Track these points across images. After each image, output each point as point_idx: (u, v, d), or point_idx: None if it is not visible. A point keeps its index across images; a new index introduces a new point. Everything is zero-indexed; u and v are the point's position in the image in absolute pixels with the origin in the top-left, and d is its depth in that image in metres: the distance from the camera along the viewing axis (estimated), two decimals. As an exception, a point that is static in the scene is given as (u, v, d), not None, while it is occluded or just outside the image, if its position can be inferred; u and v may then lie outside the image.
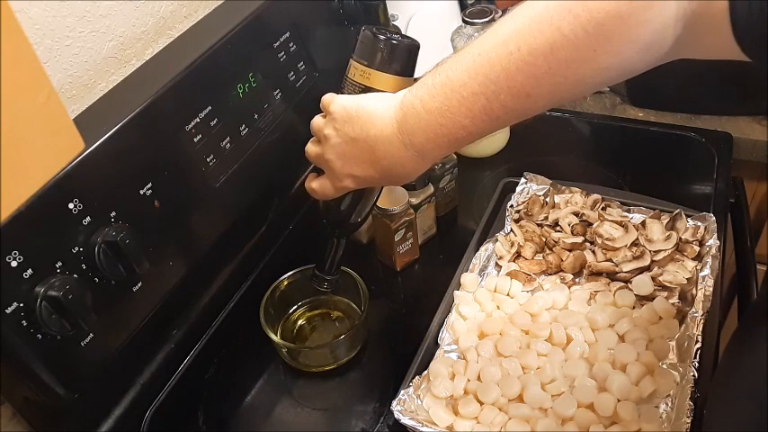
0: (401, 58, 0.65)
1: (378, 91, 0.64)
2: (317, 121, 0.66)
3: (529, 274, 0.86)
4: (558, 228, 0.90)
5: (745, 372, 0.60)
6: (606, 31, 0.47)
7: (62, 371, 0.64)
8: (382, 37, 0.65)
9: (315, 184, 0.68)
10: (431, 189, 0.94)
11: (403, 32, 1.11)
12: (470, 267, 0.87)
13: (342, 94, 0.66)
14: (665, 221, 0.88)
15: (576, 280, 0.86)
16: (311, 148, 0.67)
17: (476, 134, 0.56)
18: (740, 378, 0.60)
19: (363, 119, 0.60)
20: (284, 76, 0.91)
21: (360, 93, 0.65)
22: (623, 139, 1.11)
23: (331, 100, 0.63)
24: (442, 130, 0.56)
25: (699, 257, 0.84)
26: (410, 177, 0.63)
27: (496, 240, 0.90)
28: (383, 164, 0.61)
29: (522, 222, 0.92)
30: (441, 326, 0.81)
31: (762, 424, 0.52)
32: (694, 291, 0.79)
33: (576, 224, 0.89)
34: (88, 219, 0.64)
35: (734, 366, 0.65)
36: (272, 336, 0.80)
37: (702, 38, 0.47)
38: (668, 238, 0.85)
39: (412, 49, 0.65)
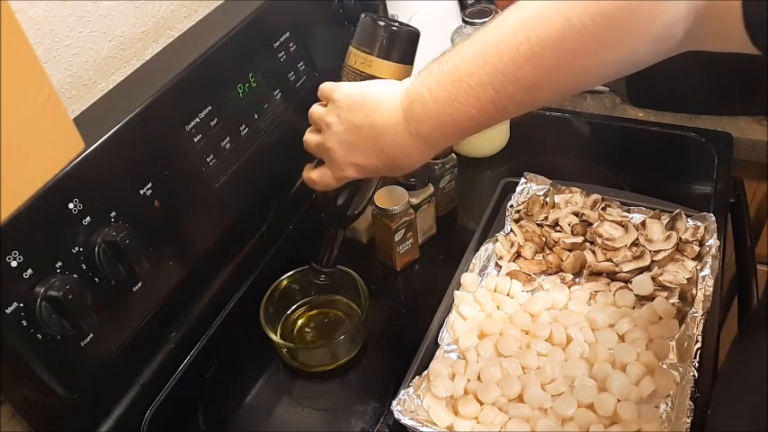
0: (403, 46, 0.65)
1: (380, 79, 0.64)
2: (318, 109, 0.64)
3: (529, 274, 0.86)
4: (558, 228, 0.90)
5: (746, 379, 0.60)
6: (616, 23, 0.46)
7: (62, 371, 0.64)
8: (383, 24, 0.64)
9: (314, 175, 0.67)
10: (431, 189, 0.94)
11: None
12: (470, 267, 0.87)
13: (341, 82, 0.65)
14: (665, 221, 0.88)
15: (576, 280, 0.86)
16: (311, 137, 0.65)
17: (483, 124, 0.56)
18: (742, 385, 0.60)
19: (369, 106, 0.59)
20: (284, 76, 0.91)
21: (361, 80, 0.64)
22: (623, 139, 1.11)
23: (334, 88, 0.62)
24: (448, 119, 0.55)
25: (699, 257, 0.84)
26: (413, 167, 0.62)
27: (496, 240, 0.90)
28: (388, 152, 0.60)
29: (522, 222, 0.92)
30: (441, 326, 0.81)
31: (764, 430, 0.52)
32: (694, 291, 0.79)
33: (576, 224, 0.89)
34: (88, 219, 0.64)
35: (735, 372, 0.65)
36: (272, 336, 0.80)
37: (714, 32, 0.47)
38: (668, 238, 0.85)
39: (413, 36, 0.65)
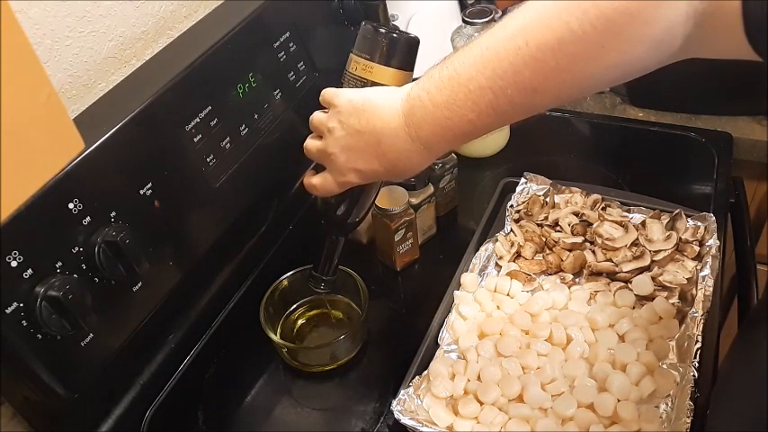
0: (403, 52, 0.65)
1: (380, 85, 0.64)
2: (319, 115, 0.65)
3: (529, 274, 0.86)
4: (558, 228, 0.90)
5: (746, 379, 0.60)
6: (615, 27, 0.46)
7: (62, 371, 0.64)
8: (384, 31, 0.65)
9: (316, 180, 0.67)
10: (431, 189, 0.94)
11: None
12: (470, 267, 0.87)
13: (342, 88, 0.65)
14: (665, 221, 0.88)
15: (576, 280, 0.86)
16: (312, 143, 0.66)
17: (482, 129, 0.56)
18: (741, 385, 0.60)
19: (370, 111, 0.60)
20: (284, 76, 0.91)
21: (361, 87, 0.65)
22: (623, 139, 1.11)
23: (335, 94, 0.63)
24: (448, 123, 0.55)
25: (699, 257, 0.84)
26: (414, 171, 0.62)
27: (496, 240, 0.90)
28: (388, 157, 0.60)
29: (522, 222, 0.92)
30: (441, 326, 0.81)
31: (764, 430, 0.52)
32: (694, 291, 0.79)
33: (576, 224, 0.89)
34: (88, 219, 0.64)
35: (735, 372, 0.65)
36: (272, 336, 0.80)
37: (714, 37, 0.47)
38: (668, 238, 0.85)
39: (413, 43, 0.66)
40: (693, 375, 0.70)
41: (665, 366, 0.73)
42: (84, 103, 0.75)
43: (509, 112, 0.54)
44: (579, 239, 0.88)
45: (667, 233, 0.86)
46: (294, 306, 0.89)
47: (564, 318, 0.79)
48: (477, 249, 0.89)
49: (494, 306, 0.83)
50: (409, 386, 0.73)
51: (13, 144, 0.34)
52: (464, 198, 1.03)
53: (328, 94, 0.64)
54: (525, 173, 0.97)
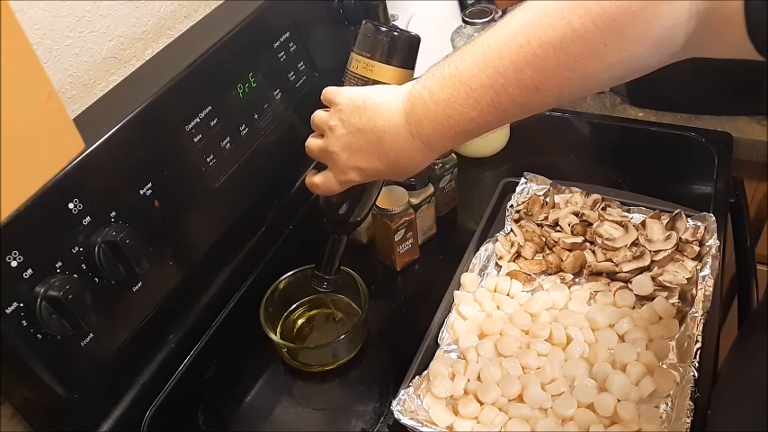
0: (404, 50, 0.66)
1: (381, 83, 0.64)
2: (320, 114, 0.65)
3: (529, 274, 0.86)
4: (558, 228, 0.90)
5: (746, 379, 0.60)
6: (617, 26, 0.46)
7: (62, 371, 0.64)
8: (385, 29, 0.65)
9: (318, 179, 0.67)
10: (431, 189, 0.94)
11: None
12: (470, 267, 0.87)
13: (343, 87, 0.65)
14: (665, 221, 0.88)
15: (576, 280, 0.86)
16: (313, 142, 0.66)
17: (483, 127, 0.56)
18: (742, 385, 0.60)
19: (371, 109, 0.60)
20: (284, 76, 0.91)
21: (363, 85, 0.65)
22: (623, 139, 1.11)
23: (337, 92, 0.63)
24: (449, 121, 0.55)
25: (699, 257, 0.84)
26: (416, 170, 0.62)
27: (496, 240, 0.90)
28: (390, 155, 0.60)
29: (522, 222, 0.92)
30: (441, 326, 0.81)
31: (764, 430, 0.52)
32: (694, 291, 0.79)
33: (576, 224, 0.89)
34: (88, 219, 0.64)
35: (736, 373, 0.65)
36: (272, 336, 0.80)
37: (716, 36, 0.47)
38: (668, 238, 0.85)
39: (413, 41, 0.66)
40: (693, 375, 0.70)
41: (665, 366, 0.73)
42: (84, 103, 0.75)
43: (510, 110, 0.54)
44: (579, 239, 0.88)
45: (667, 233, 0.86)
46: (294, 306, 0.89)
47: (564, 318, 0.79)
48: (477, 249, 0.89)
49: (494, 306, 0.83)
50: (409, 386, 0.73)
51: (13, 144, 0.34)
52: (464, 198, 1.03)
53: (329, 92, 0.64)
54: (525, 173, 0.97)
